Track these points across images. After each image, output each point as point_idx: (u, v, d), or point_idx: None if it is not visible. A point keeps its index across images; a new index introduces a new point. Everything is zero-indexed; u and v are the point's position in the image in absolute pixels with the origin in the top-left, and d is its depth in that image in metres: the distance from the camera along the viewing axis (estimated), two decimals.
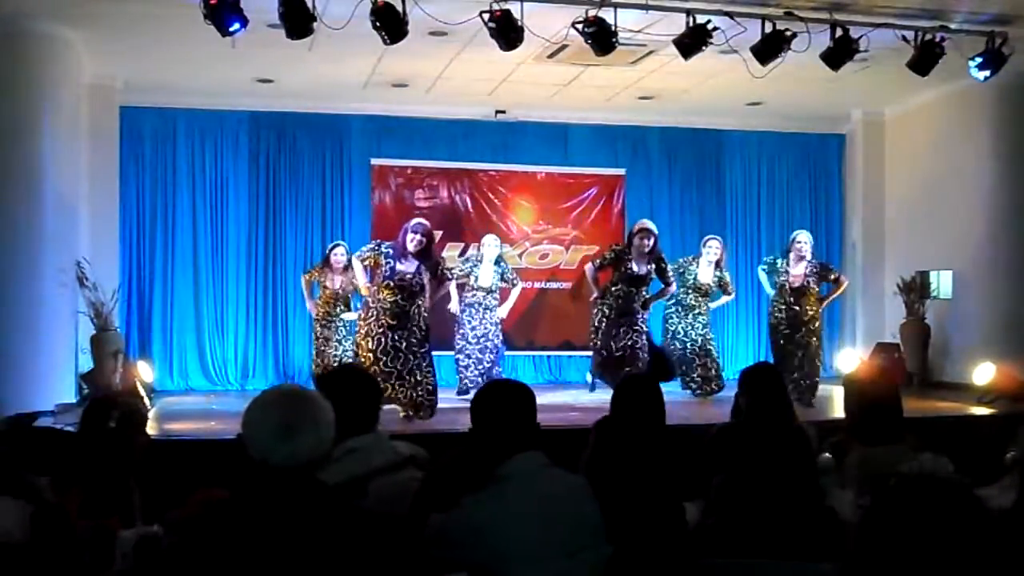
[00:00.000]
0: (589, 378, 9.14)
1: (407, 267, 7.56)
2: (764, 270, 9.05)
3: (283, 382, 9.44)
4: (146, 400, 7.89)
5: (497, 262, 9.33)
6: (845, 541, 2.56)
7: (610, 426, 3.62)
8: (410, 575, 2.48)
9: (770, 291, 8.93)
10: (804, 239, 8.75)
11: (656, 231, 8.66)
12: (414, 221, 7.85)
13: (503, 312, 9.35)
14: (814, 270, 8.74)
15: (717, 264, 9.34)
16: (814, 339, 8.69)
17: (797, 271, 8.67)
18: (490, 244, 9.32)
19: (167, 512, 3.00)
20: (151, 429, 6.27)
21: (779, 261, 8.83)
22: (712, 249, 9.33)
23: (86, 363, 8.63)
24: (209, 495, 2.87)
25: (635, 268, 8.48)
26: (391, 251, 7.60)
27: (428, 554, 2.62)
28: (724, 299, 9.72)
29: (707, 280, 9.33)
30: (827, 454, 3.68)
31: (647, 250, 8.50)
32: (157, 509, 3.23)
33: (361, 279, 7.91)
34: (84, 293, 8.58)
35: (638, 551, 2.86)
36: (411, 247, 7.55)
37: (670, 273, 8.81)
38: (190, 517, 2.69)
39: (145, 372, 8.86)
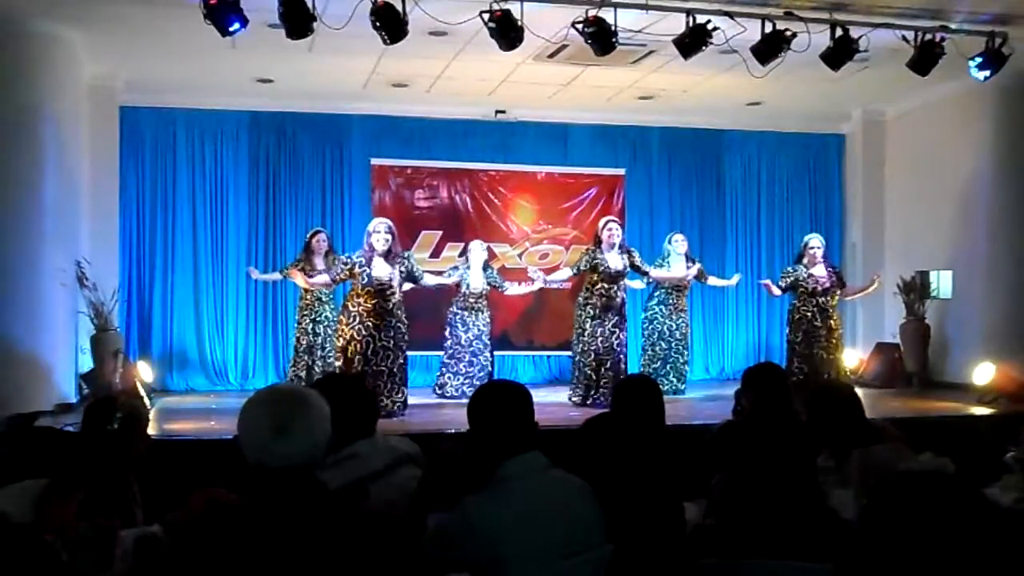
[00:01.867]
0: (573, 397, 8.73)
1: (382, 273, 7.77)
2: (784, 285, 8.95)
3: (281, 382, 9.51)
4: (146, 400, 7.89)
5: (484, 268, 9.43)
6: (846, 541, 2.56)
7: (603, 424, 3.61)
8: None
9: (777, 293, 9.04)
10: (817, 243, 8.91)
11: (619, 223, 8.85)
12: (375, 221, 8.11)
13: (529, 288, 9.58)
14: (834, 273, 8.93)
15: (688, 256, 9.53)
16: (837, 343, 8.81)
17: (820, 272, 8.77)
18: (476, 250, 9.43)
19: (167, 512, 3.00)
20: (151, 429, 6.29)
21: (799, 269, 8.87)
22: (679, 242, 9.50)
23: (86, 363, 8.63)
24: (207, 495, 2.87)
25: (611, 264, 8.52)
26: (363, 259, 7.81)
27: (429, 555, 2.62)
28: (726, 282, 10.02)
29: (682, 274, 9.45)
30: (827, 454, 3.68)
31: (616, 240, 8.59)
32: (157, 509, 3.23)
33: (323, 279, 8.41)
34: (84, 293, 8.58)
35: (638, 551, 2.86)
36: (380, 247, 7.77)
37: (641, 262, 8.85)
38: (190, 518, 2.69)
39: (145, 372, 8.86)
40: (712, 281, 9.91)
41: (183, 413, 8.12)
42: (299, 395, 2.30)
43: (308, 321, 9.24)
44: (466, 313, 9.27)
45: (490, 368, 9.43)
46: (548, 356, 11.17)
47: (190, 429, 7.16)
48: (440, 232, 10.84)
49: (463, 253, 9.86)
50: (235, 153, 10.54)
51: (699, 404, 8.76)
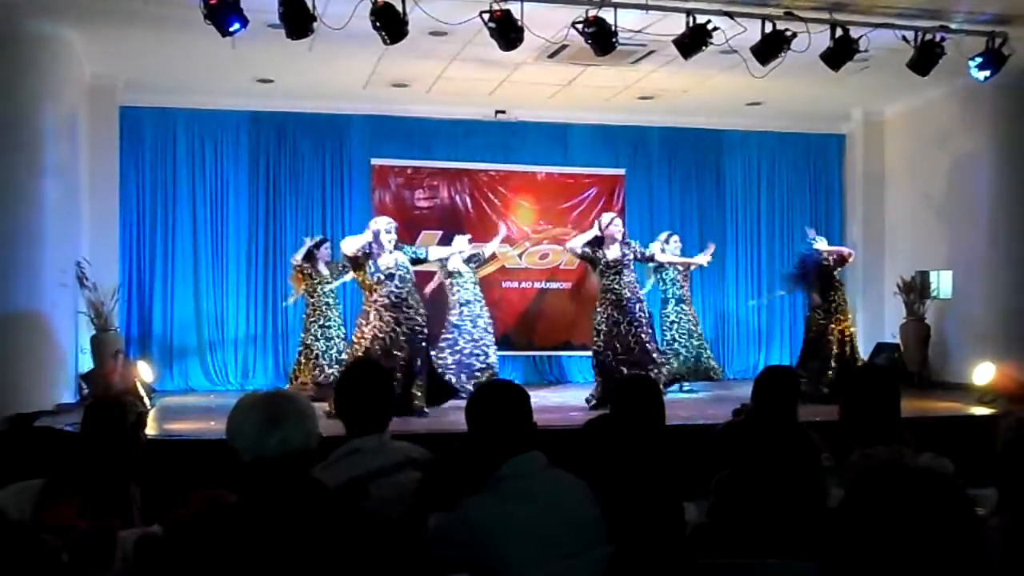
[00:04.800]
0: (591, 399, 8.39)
1: (387, 260, 7.70)
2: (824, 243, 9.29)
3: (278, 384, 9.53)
4: (146, 400, 7.89)
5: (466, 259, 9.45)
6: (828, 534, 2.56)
7: (603, 425, 3.61)
8: None
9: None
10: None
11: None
12: (384, 220, 7.93)
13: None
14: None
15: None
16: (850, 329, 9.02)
17: None
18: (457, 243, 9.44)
19: (167, 512, 3.00)
20: (151, 429, 6.29)
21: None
22: (675, 243, 9.67)
23: (86, 363, 8.63)
24: (207, 495, 2.87)
25: (608, 254, 8.32)
26: (370, 250, 7.77)
27: (428, 555, 2.62)
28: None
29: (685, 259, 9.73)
30: (827, 454, 3.68)
31: (620, 235, 8.40)
32: (157, 509, 3.23)
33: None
34: (84, 293, 8.58)
35: (638, 551, 2.86)
36: (389, 246, 7.70)
37: (640, 250, 8.62)
38: (190, 517, 2.69)
39: (145, 372, 8.86)
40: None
41: (183, 413, 8.11)
42: (285, 393, 2.42)
43: (317, 328, 9.20)
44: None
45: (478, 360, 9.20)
46: (548, 357, 11.17)
47: (190, 429, 7.16)
48: (440, 232, 10.83)
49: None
50: (235, 153, 10.55)
51: (700, 404, 8.75)
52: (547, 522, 2.64)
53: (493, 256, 10.04)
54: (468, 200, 11.01)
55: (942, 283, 10.51)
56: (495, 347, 9.34)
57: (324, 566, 2.06)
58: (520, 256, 11.06)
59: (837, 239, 11.71)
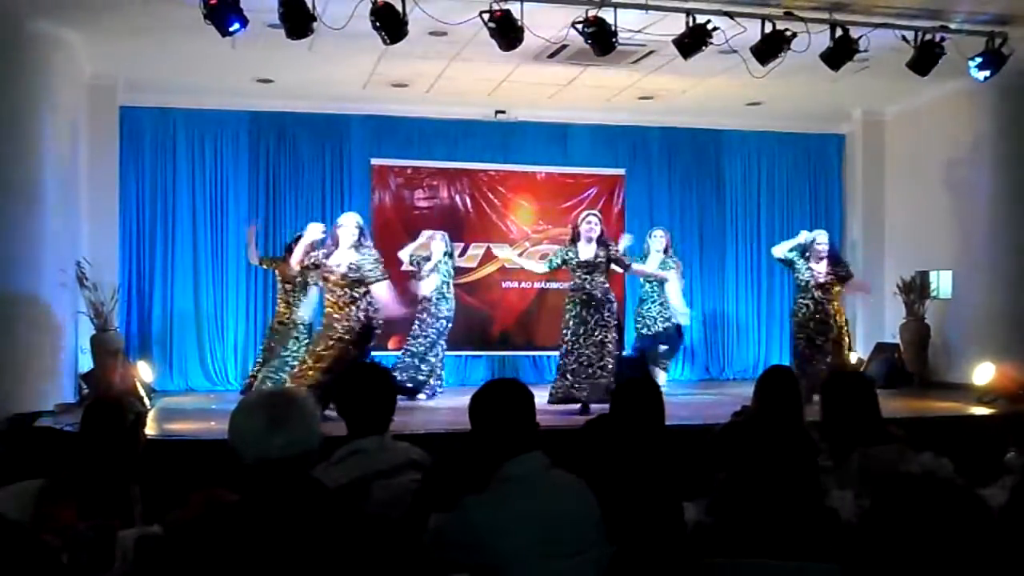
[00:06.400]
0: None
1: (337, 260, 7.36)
2: (783, 255, 8.98)
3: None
4: (146, 400, 7.89)
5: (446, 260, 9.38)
6: (845, 541, 2.56)
7: (603, 426, 3.61)
8: None
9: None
10: (823, 240, 8.90)
11: (600, 218, 8.39)
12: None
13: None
14: (833, 270, 8.88)
15: (665, 251, 9.64)
16: (843, 335, 8.88)
17: (820, 268, 8.81)
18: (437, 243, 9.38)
19: (167, 512, 3.00)
20: (151, 429, 6.29)
21: (798, 261, 8.87)
22: (658, 238, 9.62)
23: (86, 363, 8.63)
24: (207, 495, 2.87)
25: (581, 255, 8.08)
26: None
27: (429, 555, 2.62)
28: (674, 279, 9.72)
29: (656, 269, 9.60)
30: (825, 455, 3.68)
31: (594, 234, 8.11)
32: (157, 509, 3.23)
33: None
34: (84, 293, 8.58)
35: (638, 551, 2.86)
36: (346, 242, 7.41)
37: (622, 255, 8.37)
38: (190, 517, 2.69)
39: (145, 372, 8.86)
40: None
41: (183, 413, 8.10)
42: (289, 393, 2.42)
43: (283, 313, 8.90)
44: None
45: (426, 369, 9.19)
46: (548, 356, 11.15)
47: (190, 429, 7.16)
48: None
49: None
50: (235, 153, 10.54)
51: (700, 404, 8.75)
52: (547, 522, 2.64)
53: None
54: (468, 200, 11.01)
55: (942, 283, 10.51)
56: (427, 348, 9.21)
57: (325, 567, 2.06)
58: (520, 256, 11.04)
59: (837, 239, 11.68)
